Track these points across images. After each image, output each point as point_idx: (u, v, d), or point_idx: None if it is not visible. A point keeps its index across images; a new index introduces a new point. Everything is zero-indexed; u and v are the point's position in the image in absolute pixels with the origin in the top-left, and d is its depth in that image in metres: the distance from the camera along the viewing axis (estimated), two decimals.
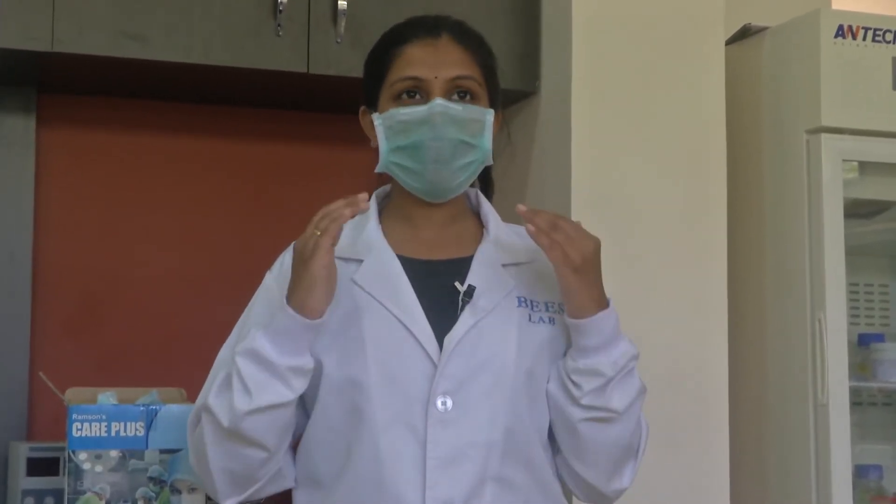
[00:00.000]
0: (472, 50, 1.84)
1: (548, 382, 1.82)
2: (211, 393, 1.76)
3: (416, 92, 1.80)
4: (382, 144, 1.83)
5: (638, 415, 1.83)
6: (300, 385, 1.73)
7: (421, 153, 1.80)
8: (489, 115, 1.83)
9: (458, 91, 1.81)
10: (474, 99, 1.82)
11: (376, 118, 1.83)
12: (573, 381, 1.77)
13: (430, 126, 1.78)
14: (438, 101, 1.78)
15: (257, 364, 1.71)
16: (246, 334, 1.79)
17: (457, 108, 1.79)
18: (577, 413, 1.78)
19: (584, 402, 1.76)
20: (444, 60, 1.80)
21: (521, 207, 1.74)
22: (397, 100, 1.81)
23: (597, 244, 1.76)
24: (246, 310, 1.89)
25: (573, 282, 1.74)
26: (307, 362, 1.72)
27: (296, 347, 1.71)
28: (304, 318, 1.69)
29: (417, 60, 1.80)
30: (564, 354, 1.83)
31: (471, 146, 1.81)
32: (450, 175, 1.81)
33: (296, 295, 1.70)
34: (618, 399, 1.76)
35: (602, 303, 1.76)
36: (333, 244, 1.69)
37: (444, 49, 1.82)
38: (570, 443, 1.82)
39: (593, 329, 1.75)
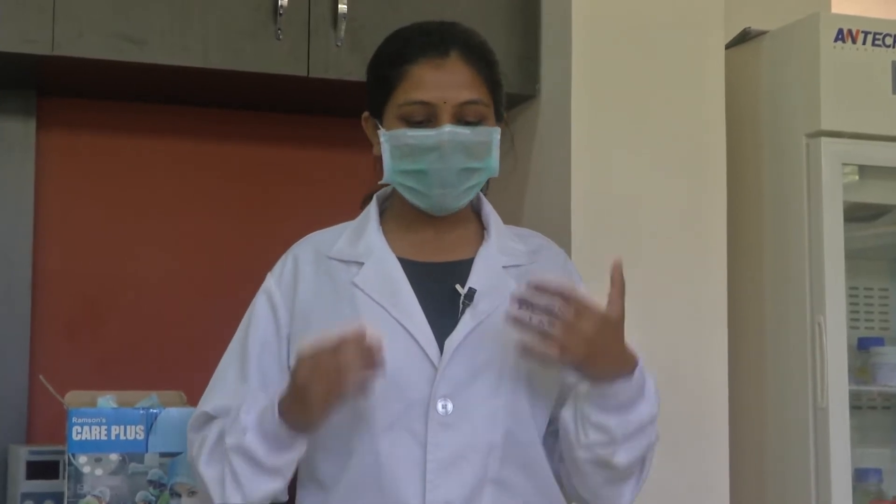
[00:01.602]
0: (480, 68, 1.82)
1: (562, 407, 1.81)
2: (202, 456, 1.78)
3: (424, 115, 1.79)
4: (388, 163, 1.82)
5: (644, 460, 1.81)
6: (292, 470, 1.74)
7: (427, 179, 1.79)
8: (496, 134, 1.82)
9: (467, 115, 1.79)
10: (482, 120, 1.81)
11: (382, 135, 1.82)
12: (583, 428, 1.75)
13: (439, 153, 1.77)
14: (447, 129, 1.76)
15: (248, 462, 1.71)
16: (248, 353, 1.84)
17: (465, 132, 1.78)
18: (580, 453, 1.78)
19: (589, 449, 1.76)
20: (453, 83, 1.78)
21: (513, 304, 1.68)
22: (404, 121, 1.80)
23: (606, 319, 1.69)
24: (247, 313, 1.89)
25: (582, 370, 1.71)
26: (299, 451, 1.73)
27: (289, 444, 1.71)
28: (300, 433, 1.70)
29: (426, 83, 1.78)
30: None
31: (477, 170, 1.81)
32: (455, 198, 1.82)
33: (295, 418, 1.68)
34: (622, 456, 1.75)
35: (623, 368, 1.72)
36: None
37: (452, 70, 1.79)
38: (570, 467, 1.83)
39: (610, 394, 1.72)
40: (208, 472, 1.76)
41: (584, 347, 1.67)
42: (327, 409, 1.66)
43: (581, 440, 1.76)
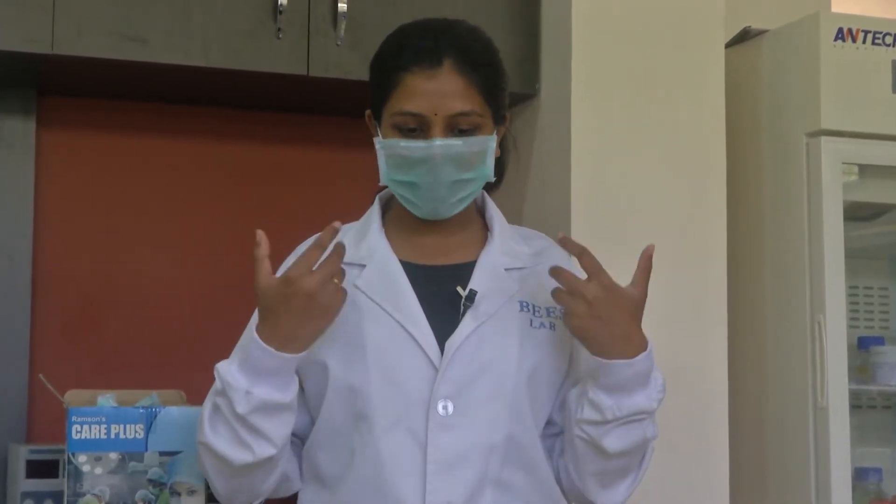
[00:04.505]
0: (474, 77, 1.79)
1: (572, 385, 1.83)
2: (205, 429, 1.76)
3: (416, 126, 1.78)
4: (382, 168, 1.82)
5: (637, 457, 1.82)
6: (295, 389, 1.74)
7: (418, 191, 1.80)
8: (491, 142, 1.82)
9: (459, 126, 1.78)
10: (476, 129, 1.79)
11: (378, 142, 1.82)
12: (580, 403, 1.78)
13: (429, 166, 1.77)
14: (438, 143, 1.76)
15: (267, 412, 1.71)
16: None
17: (457, 143, 1.77)
18: (576, 431, 1.79)
19: (582, 428, 1.78)
20: (445, 93, 1.77)
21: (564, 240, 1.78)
22: (397, 129, 1.79)
23: (622, 294, 1.75)
24: (251, 321, 1.88)
25: (585, 336, 1.75)
26: (295, 387, 1.73)
27: (291, 372, 1.72)
28: (294, 355, 1.70)
29: (418, 94, 1.77)
30: (570, 359, 1.85)
31: (469, 181, 1.81)
32: (447, 208, 1.82)
33: (294, 335, 1.69)
34: (611, 442, 1.77)
35: (627, 348, 1.74)
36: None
37: (445, 80, 1.77)
38: (567, 447, 1.84)
39: (609, 371, 1.74)
40: (219, 439, 1.74)
41: (585, 308, 1.71)
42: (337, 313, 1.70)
43: (577, 415, 1.77)
